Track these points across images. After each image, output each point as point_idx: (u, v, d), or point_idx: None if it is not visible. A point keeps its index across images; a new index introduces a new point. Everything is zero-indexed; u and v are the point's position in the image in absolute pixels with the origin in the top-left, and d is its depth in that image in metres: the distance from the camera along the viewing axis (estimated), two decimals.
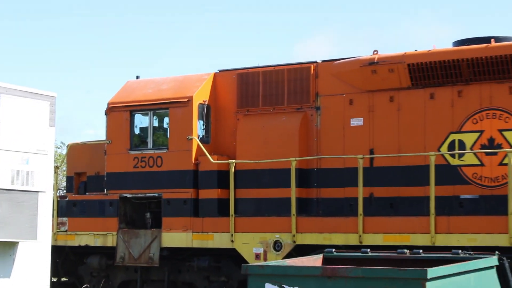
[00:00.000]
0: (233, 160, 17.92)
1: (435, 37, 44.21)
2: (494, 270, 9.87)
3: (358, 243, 16.12)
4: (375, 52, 17.16)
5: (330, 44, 45.50)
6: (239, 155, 18.14)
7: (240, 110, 18.54)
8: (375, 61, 17.03)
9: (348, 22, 45.91)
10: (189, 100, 18.37)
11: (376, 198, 16.87)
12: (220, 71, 19.03)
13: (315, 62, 17.91)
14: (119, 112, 19.14)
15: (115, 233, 18.95)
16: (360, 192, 16.44)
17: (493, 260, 9.85)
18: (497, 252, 10.08)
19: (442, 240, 15.57)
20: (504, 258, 9.91)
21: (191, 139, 18.21)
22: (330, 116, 17.59)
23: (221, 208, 18.01)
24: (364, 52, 17.87)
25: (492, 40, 16.30)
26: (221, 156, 18.33)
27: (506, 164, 15.46)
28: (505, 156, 15.55)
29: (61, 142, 40.88)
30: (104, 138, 19.59)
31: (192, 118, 18.33)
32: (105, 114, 19.38)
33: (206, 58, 48.19)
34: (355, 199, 16.56)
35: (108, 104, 19.36)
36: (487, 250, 13.04)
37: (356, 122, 17.33)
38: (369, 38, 45.43)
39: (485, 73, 16.12)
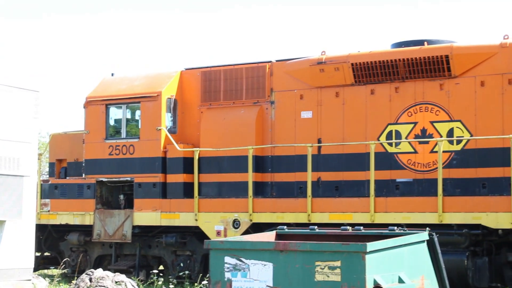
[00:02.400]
0: (197, 148, 17.91)
1: (380, 37, 44.21)
2: (425, 244, 9.91)
3: (307, 221, 16.16)
4: (323, 53, 17.21)
5: (283, 41, 45.40)
6: (203, 143, 18.13)
7: (204, 104, 18.52)
8: (323, 61, 17.08)
9: (299, 20, 45.79)
10: (159, 95, 18.34)
11: (323, 181, 16.94)
12: (187, 69, 19.00)
13: (270, 61, 17.93)
14: (96, 106, 19.06)
15: (92, 213, 18.89)
16: (309, 176, 16.50)
17: (424, 235, 9.90)
18: (427, 228, 10.17)
19: (380, 218, 15.65)
20: (434, 234, 10.00)
21: (160, 129, 18.19)
22: (283, 109, 17.62)
23: (186, 191, 18.00)
24: (313, 50, 17.89)
25: (425, 42, 16.41)
26: (186, 144, 18.32)
27: (436, 152, 15.59)
28: (436, 144, 15.68)
29: (47, 133, 40.53)
30: (83, 128, 19.50)
31: (161, 111, 18.30)
32: (84, 107, 19.30)
33: (176, 55, 47.75)
34: (305, 183, 16.61)
35: (86, 98, 19.27)
36: (419, 227, 13.19)
37: (306, 114, 17.37)
38: (319, 35, 45.38)
39: (419, 72, 16.21)
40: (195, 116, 18.60)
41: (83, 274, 14.12)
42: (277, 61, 17.90)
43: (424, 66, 16.11)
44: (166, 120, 18.50)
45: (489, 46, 15.77)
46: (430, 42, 16.44)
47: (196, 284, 16.03)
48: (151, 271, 17.54)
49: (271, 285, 9.37)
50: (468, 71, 15.84)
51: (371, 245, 8.89)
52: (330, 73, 16.96)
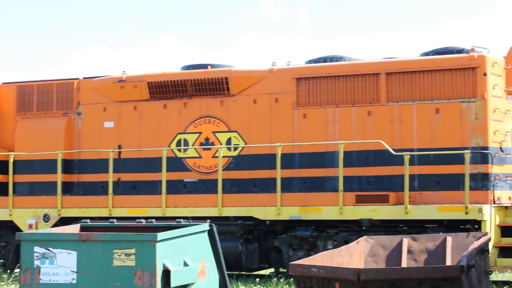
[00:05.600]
0: (12, 152, 17.26)
1: (177, 58, 44.09)
2: (206, 233, 10.04)
3: (109, 215, 15.99)
4: (124, 72, 17.05)
5: (93, 60, 44.37)
6: (17, 148, 17.47)
7: (19, 114, 17.85)
8: (124, 79, 16.93)
9: (108, 42, 44.94)
10: None
11: (123, 181, 16.78)
12: (4, 83, 18.31)
13: (78, 78, 17.57)
14: None
15: None
16: (110, 177, 16.30)
17: (206, 226, 10.03)
18: (208, 220, 10.31)
19: (171, 212, 15.70)
20: (213, 224, 10.14)
21: None
22: (89, 119, 17.29)
23: (2, 190, 17.30)
24: (119, 69, 17.64)
25: (209, 66, 16.62)
26: (2, 149, 17.61)
27: (217, 157, 15.83)
28: (216, 151, 15.94)
29: None
30: None
31: None
32: None
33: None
34: (107, 182, 16.39)
35: None
36: (203, 219, 13.34)
37: (109, 124, 17.15)
38: (127, 56, 44.69)
39: (203, 90, 16.40)
40: (11, 125, 17.89)
41: None
42: (84, 78, 17.56)
43: (207, 85, 16.31)
44: None
45: (260, 71, 16.21)
46: (213, 66, 16.67)
47: (9, 271, 15.41)
48: None
49: (75, 270, 9.21)
50: (244, 91, 16.19)
51: (160, 235, 8.96)
52: (129, 89, 16.83)
